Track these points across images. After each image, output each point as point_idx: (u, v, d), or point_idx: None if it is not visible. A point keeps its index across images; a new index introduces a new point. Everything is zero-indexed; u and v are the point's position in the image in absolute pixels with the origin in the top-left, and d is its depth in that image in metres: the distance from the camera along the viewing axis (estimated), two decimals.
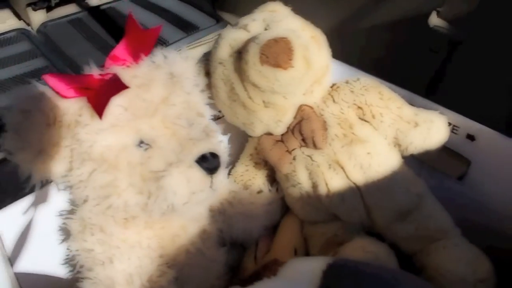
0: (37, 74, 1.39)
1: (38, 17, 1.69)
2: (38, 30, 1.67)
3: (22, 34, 1.67)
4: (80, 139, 0.61)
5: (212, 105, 0.81)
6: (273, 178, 0.91)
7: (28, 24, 1.70)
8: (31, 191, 0.65)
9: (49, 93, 0.61)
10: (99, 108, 0.59)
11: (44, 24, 1.69)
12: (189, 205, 0.63)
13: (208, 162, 0.62)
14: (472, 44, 1.18)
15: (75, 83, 0.62)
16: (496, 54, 1.15)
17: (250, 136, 0.89)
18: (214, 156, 0.62)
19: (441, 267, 0.74)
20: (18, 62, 1.46)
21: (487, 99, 1.09)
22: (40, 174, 0.62)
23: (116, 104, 0.61)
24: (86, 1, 1.84)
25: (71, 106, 0.61)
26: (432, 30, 1.20)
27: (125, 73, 0.64)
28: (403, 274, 0.68)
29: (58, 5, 1.71)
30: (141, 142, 0.62)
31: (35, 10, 1.64)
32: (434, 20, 1.19)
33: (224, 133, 0.91)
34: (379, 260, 0.73)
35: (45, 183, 0.67)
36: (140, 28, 0.67)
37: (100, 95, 0.60)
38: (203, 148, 0.62)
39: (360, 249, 0.74)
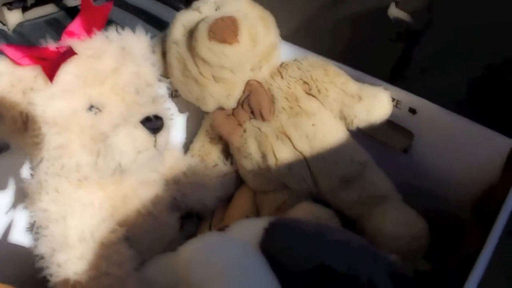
0: None
1: (14, 17, 1.72)
2: (14, 30, 1.70)
3: None
4: (34, 104, 0.65)
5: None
6: (228, 152, 0.96)
7: (4, 24, 1.73)
8: None
9: (6, 61, 0.66)
10: (51, 74, 0.64)
11: (20, 24, 1.72)
12: (136, 165, 0.69)
13: (152, 123, 0.67)
14: (429, 33, 1.24)
15: (32, 53, 0.67)
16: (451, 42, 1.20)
17: (206, 114, 0.95)
18: (157, 118, 0.68)
19: (380, 228, 0.80)
20: None
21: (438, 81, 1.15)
22: None
23: (68, 72, 0.66)
24: (63, 1, 1.87)
25: (26, 74, 0.66)
26: (392, 20, 1.26)
27: (79, 45, 0.69)
28: (337, 227, 0.74)
29: (34, 5, 1.74)
30: (91, 106, 0.67)
31: (10, 9, 1.67)
32: (393, 11, 1.25)
33: (182, 111, 0.97)
34: (321, 221, 0.78)
35: (4, 147, 0.71)
36: (93, 5, 0.72)
37: (53, 63, 0.65)
38: (148, 110, 0.68)
39: (304, 212, 0.80)
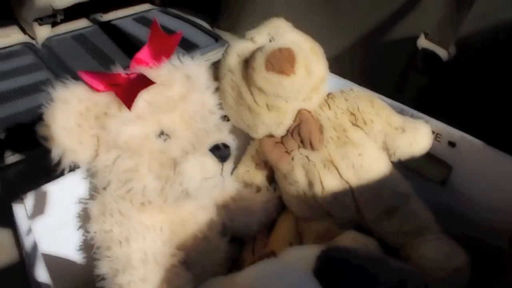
0: (40, 86, 1.46)
1: (43, 32, 1.76)
2: (43, 44, 1.74)
3: (27, 47, 1.73)
4: (107, 128, 0.68)
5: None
6: (271, 178, 0.98)
7: (33, 39, 1.77)
8: (60, 175, 0.72)
9: (83, 87, 0.69)
10: (128, 100, 0.67)
11: (48, 39, 1.76)
12: (200, 190, 0.71)
13: (220, 151, 0.70)
14: (457, 64, 1.27)
15: (105, 79, 0.70)
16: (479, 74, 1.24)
17: (252, 139, 0.98)
18: (225, 146, 0.71)
19: (423, 258, 0.82)
20: (23, 74, 1.53)
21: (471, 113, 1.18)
22: (70, 159, 0.69)
23: (141, 99, 0.69)
24: (90, 17, 1.92)
25: (101, 99, 0.69)
26: (420, 50, 1.30)
27: (149, 73, 0.72)
28: (388, 259, 0.76)
29: (63, 21, 1.79)
30: (162, 133, 0.70)
31: (41, 25, 1.71)
32: (423, 41, 1.29)
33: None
34: (369, 249, 0.80)
35: (73, 168, 0.73)
36: (162, 33, 0.75)
37: (129, 90, 0.68)
38: (216, 138, 0.71)
39: (350, 240, 0.82)
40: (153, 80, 0.70)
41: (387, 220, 0.87)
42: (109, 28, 1.87)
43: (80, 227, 0.81)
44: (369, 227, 0.89)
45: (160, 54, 0.74)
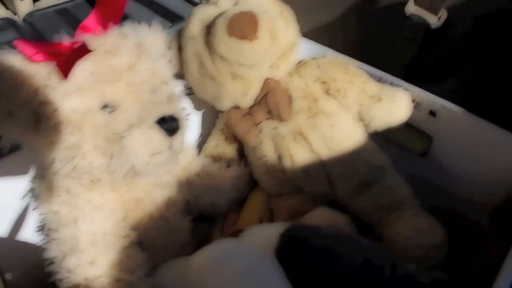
0: None
1: (24, 7, 1.71)
2: (24, 20, 1.69)
3: (8, 23, 1.68)
4: (47, 102, 0.63)
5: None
6: (242, 153, 0.93)
7: (15, 14, 1.72)
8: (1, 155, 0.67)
9: (19, 58, 0.63)
10: (65, 70, 0.61)
11: (30, 14, 1.70)
12: (150, 167, 0.66)
13: (167, 124, 0.64)
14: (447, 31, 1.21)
15: (45, 49, 0.64)
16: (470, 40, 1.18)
17: (221, 112, 0.92)
18: (173, 119, 0.65)
19: (398, 235, 0.78)
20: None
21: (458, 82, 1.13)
22: (9, 136, 0.64)
23: (83, 69, 0.63)
24: None
25: (39, 71, 0.63)
26: (409, 17, 1.23)
27: (93, 40, 0.67)
28: (354, 238, 0.71)
29: None
30: (106, 105, 0.65)
31: None
32: (411, 7, 1.22)
33: (196, 110, 0.94)
34: (337, 227, 0.76)
35: (15, 147, 0.68)
36: None
37: (67, 59, 0.62)
38: (163, 111, 0.65)
39: (320, 217, 0.77)
40: (96, 48, 0.64)
41: (361, 195, 0.82)
42: (94, 2, 1.81)
43: (32, 208, 0.76)
44: (343, 203, 0.84)
45: (107, 20, 0.69)
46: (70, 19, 1.66)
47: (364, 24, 1.35)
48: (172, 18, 1.58)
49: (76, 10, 1.77)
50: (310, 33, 0.95)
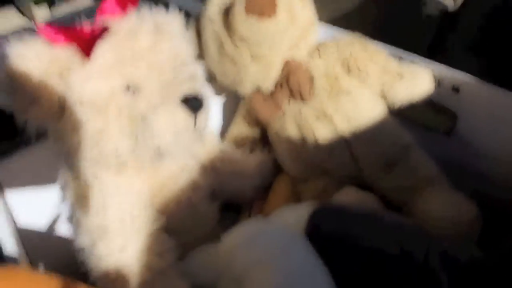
0: None
1: (41, 14, 1.73)
2: None
3: (27, 32, 1.70)
4: (71, 86, 0.63)
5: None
6: (265, 139, 0.93)
7: (31, 20, 1.74)
8: (28, 141, 0.67)
9: (42, 43, 0.64)
10: (87, 52, 0.62)
11: (48, 21, 1.73)
12: (175, 147, 0.66)
13: (191, 102, 0.64)
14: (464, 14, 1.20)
15: (67, 33, 0.64)
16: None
17: (243, 99, 0.92)
18: (196, 98, 0.65)
19: (428, 212, 0.76)
20: None
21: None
22: (35, 121, 0.64)
23: (104, 50, 0.63)
24: None
25: (62, 54, 0.63)
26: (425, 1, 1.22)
27: (113, 23, 0.67)
28: (383, 215, 0.70)
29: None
30: (128, 86, 0.64)
31: (36, 3, 1.68)
32: None
33: (218, 96, 0.94)
34: (365, 206, 0.74)
35: (42, 134, 0.68)
36: None
37: (88, 41, 0.63)
38: (186, 90, 0.65)
39: (347, 197, 0.76)
40: (116, 30, 0.64)
41: (387, 174, 0.81)
42: None
43: (58, 196, 0.76)
44: (369, 184, 0.83)
45: (126, 3, 0.69)
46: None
47: (383, 8, 1.34)
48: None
49: (92, 16, 1.78)
50: (329, 18, 0.94)
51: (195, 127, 0.65)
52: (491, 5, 1.16)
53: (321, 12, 0.85)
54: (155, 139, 0.64)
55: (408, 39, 1.10)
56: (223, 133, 0.97)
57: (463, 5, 1.18)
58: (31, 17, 1.74)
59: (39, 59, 0.62)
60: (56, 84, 0.63)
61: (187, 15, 1.51)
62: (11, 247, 0.63)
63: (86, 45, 0.62)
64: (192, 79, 0.68)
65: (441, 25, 1.20)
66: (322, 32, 0.88)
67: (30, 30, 1.54)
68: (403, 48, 0.90)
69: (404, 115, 0.85)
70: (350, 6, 1.37)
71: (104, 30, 0.64)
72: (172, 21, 0.71)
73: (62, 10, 1.81)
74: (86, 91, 0.63)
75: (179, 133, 0.64)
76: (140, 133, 0.64)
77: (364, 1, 1.37)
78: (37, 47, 0.62)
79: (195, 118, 0.65)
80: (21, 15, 1.77)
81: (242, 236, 0.65)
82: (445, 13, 1.18)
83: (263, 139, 0.93)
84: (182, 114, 0.64)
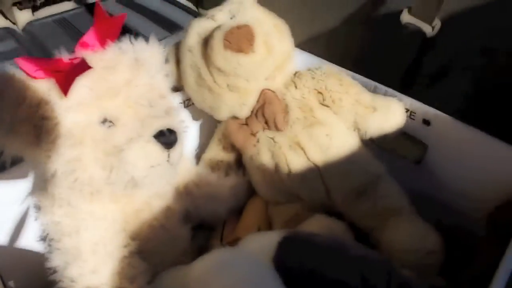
0: None
1: (24, 16, 1.72)
2: (24, 29, 1.70)
3: (8, 33, 1.69)
4: (49, 117, 0.64)
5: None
6: (240, 162, 0.95)
7: (14, 24, 1.73)
8: (3, 168, 0.69)
9: (20, 75, 0.65)
10: (65, 87, 0.63)
11: (29, 23, 1.72)
12: (149, 179, 0.68)
13: (165, 137, 0.66)
14: (441, 39, 1.23)
15: (45, 66, 0.66)
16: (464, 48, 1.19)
17: (219, 123, 0.94)
18: (171, 132, 0.67)
19: (393, 241, 0.78)
20: (3, 60, 1.49)
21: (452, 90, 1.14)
22: (11, 150, 0.65)
23: (82, 85, 0.65)
24: (71, 1, 1.88)
25: (40, 87, 0.65)
26: (404, 26, 1.25)
27: (92, 57, 0.68)
28: (349, 247, 0.73)
29: (43, 4, 1.75)
30: (105, 120, 0.66)
31: (20, 9, 1.67)
32: (406, 17, 1.24)
33: (195, 120, 0.96)
34: (334, 235, 0.77)
35: (18, 160, 0.70)
36: (107, 16, 0.71)
37: (67, 76, 0.64)
38: (161, 124, 0.66)
39: (317, 225, 0.79)
40: (95, 64, 0.66)
41: (357, 202, 0.84)
42: (93, 12, 1.82)
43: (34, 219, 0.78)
44: (340, 211, 0.85)
45: (106, 37, 0.70)
46: (69, 28, 1.67)
47: (360, 34, 1.36)
48: (171, 28, 1.60)
49: (74, 19, 1.78)
50: (305, 44, 0.97)
51: (168, 161, 0.67)
52: (469, 32, 1.18)
53: (295, 36, 0.87)
54: (129, 171, 0.66)
55: (384, 65, 1.13)
56: (199, 154, 0.99)
57: (440, 30, 1.20)
58: (13, 20, 1.73)
59: (18, 91, 0.63)
60: (33, 114, 0.64)
61: (176, 27, 1.53)
62: None
63: (64, 80, 0.63)
64: (168, 113, 0.70)
65: (419, 50, 1.22)
66: (299, 59, 0.90)
67: (11, 32, 1.54)
68: (378, 77, 0.92)
69: (375, 143, 0.87)
70: (326, 30, 1.39)
71: (82, 64, 0.65)
72: (151, 55, 0.73)
73: (44, 12, 1.80)
74: (63, 123, 0.65)
75: (152, 167, 0.66)
76: (115, 165, 0.66)
77: (340, 25, 1.39)
78: (17, 79, 0.64)
79: (169, 152, 0.67)
80: (2, 17, 1.76)
81: (212, 264, 0.67)
82: (422, 40, 1.20)
83: (238, 162, 0.95)
84: (156, 149, 0.66)
